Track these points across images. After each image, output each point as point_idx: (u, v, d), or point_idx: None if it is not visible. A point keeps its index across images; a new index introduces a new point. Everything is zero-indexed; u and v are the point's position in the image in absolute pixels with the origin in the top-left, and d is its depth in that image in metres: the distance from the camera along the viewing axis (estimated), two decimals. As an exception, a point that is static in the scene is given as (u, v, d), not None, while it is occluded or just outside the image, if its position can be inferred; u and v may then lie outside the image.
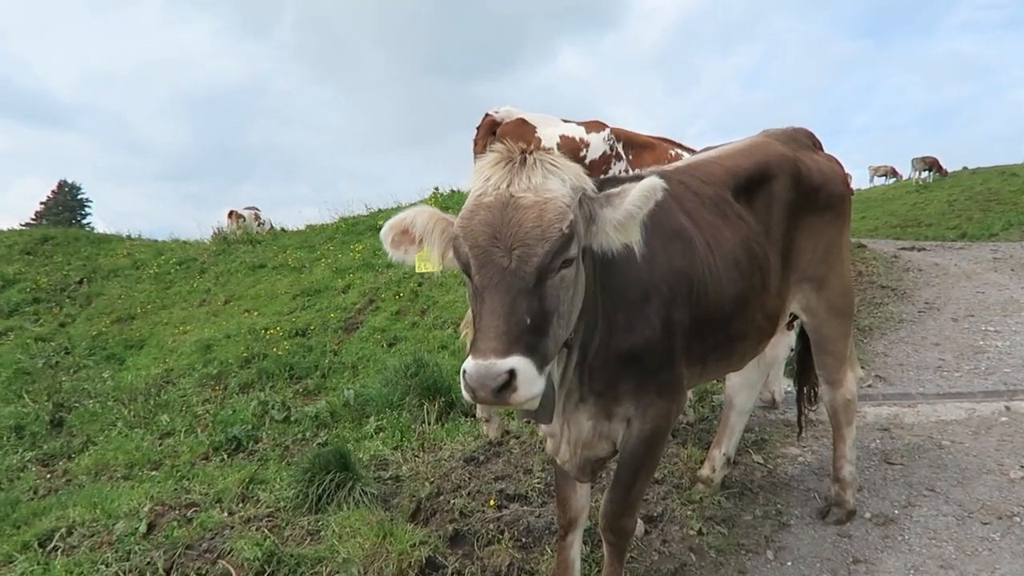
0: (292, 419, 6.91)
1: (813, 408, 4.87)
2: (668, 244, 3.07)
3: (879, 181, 37.67)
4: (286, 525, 4.29)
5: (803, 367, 4.62)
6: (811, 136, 4.39)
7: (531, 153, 2.29)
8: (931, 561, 3.87)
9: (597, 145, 6.46)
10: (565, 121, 6.57)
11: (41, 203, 59.01)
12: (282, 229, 19.58)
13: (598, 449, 3.11)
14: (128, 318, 13.57)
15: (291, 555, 3.86)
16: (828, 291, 4.09)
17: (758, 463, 5.11)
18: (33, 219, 51.71)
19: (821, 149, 4.42)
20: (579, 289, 2.42)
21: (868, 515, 4.38)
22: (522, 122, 6.43)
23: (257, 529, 4.24)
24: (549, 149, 2.46)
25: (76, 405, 9.21)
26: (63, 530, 4.70)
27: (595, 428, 3.03)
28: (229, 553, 4.03)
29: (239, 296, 13.35)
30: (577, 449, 3.06)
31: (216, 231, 19.13)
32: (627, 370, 2.91)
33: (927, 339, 7.97)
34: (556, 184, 2.22)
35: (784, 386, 6.18)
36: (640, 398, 2.99)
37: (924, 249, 13.92)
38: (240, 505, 4.65)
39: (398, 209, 15.83)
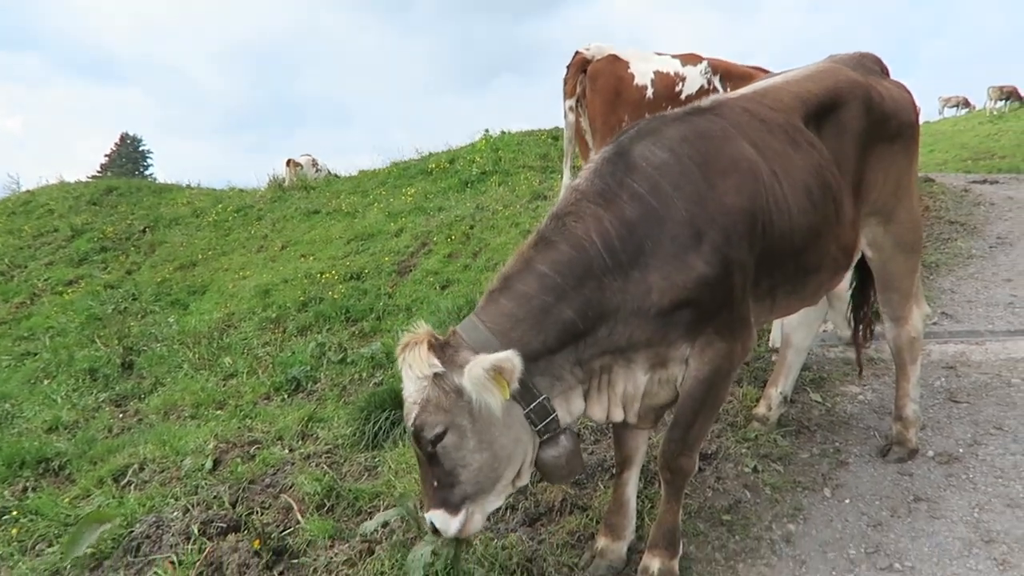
0: (349, 360, 7.03)
1: (868, 345, 4.73)
2: (722, 179, 2.96)
3: (949, 113, 35.83)
4: (344, 461, 4.41)
5: (859, 303, 4.46)
6: (879, 62, 4.17)
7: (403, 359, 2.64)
8: (997, 500, 3.77)
9: (694, 79, 6.27)
10: (659, 55, 6.36)
11: (105, 156, 60.80)
12: (335, 175, 19.71)
13: (660, 396, 3.08)
14: (190, 265, 13.94)
15: (349, 490, 3.97)
16: (896, 225, 3.93)
17: (816, 401, 5.01)
18: (99, 171, 53.24)
19: (889, 75, 4.20)
20: (484, 441, 2.66)
21: (931, 453, 4.28)
22: (614, 59, 6.26)
23: (316, 465, 4.37)
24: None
25: (144, 349, 9.55)
26: (135, 466, 4.94)
27: (652, 378, 2.99)
28: (291, 488, 4.17)
29: (295, 242, 13.56)
30: (635, 403, 3.02)
31: (272, 179, 19.35)
32: (677, 316, 2.84)
33: (998, 275, 7.64)
34: (410, 386, 2.62)
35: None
36: (695, 339, 2.94)
37: (997, 182, 13.26)
38: (300, 442, 4.79)
39: (448, 153, 15.80)
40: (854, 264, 4.02)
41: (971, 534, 3.55)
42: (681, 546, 3.34)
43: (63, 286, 13.68)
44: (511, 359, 2.50)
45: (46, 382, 9.07)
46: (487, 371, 2.48)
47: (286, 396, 6.55)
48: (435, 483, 2.67)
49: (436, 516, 2.69)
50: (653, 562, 3.28)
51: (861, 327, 4.55)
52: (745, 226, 2.98)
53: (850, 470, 4.21)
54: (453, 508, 2.68)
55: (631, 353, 2.92)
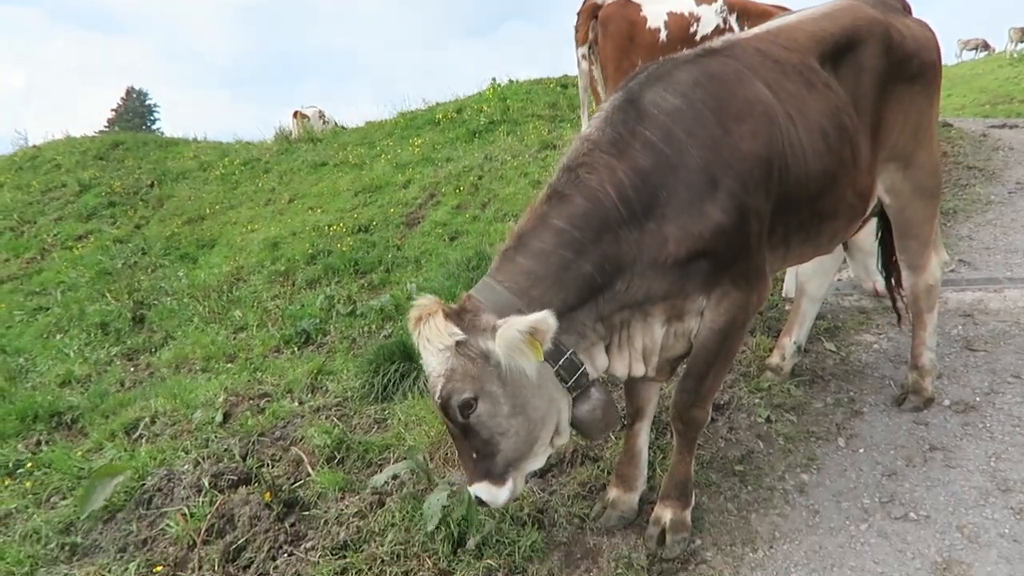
0: (358, 312, 7.00)
1: (904, 293, 4.64)
2: (737, 124, 2.86)
3: (968, 56, 34.95)
4: (354, 414, 4.40)
5: (888, 252, 4.36)
6: (901, -1, 3.99)
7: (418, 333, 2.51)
8: (1014, 449, 3.72)
9: (708, 19, 6.06)
10: None
11: (112, 110, 60.23)
12: (342, 127, 19.48)
13: (676, 349, 3.03)
14: (198, 219, 13.88)
15: (359, 442, 3.96)
16: (915, 170, 3.80)
17: (830, 350, 4.95)
18: (106, 126, 52.96)
19: (911, 13, 4.02)
20: (517, 405, 2.57)
21: (947, 402, 4.23)
22: (625, 2, 6.06)
23: (326, 418, 4.37)
24: None
25: (155, 303, 9.55)
26: (147, 419, 4.96)
27: (669, 331, 2.93)
28: (301, 440, 4.16)
29: (302, 194, 13.45)
30: (653, 357, 2.96)
31: (278, 131, 19.13)
32: (694, 267, 2.78)
33: (1017, 221, 7.47)
34: (431, 359, 2.49)
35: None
36: (711, 290, 2.87)
37: (1016, 127, 12.93)
38: (310, 395, 4.78)
39: (456, 103, 15.51)
40: (877, 213, 3.91)
41: (987, 483, 3.51)
42: (693, 497, 3.32)
43: (72, 241, 13.67)
44: (547, 319, 2.37)
45: (58, 336, 9.12)
46: (522, 333, 2.37)
47: (296, 349, 6.53)
48: (474, 455, 2.59)
49: (481, 489, 2.61)
50: (665, 513, 3.26)
51: (894, 276, 4.44)
52: (761, 172, 2.88)
53: (865, 420, 4.17)
54: (498, 478, 2.61)
55: (648, 307, 2.85)
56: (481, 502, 2.66)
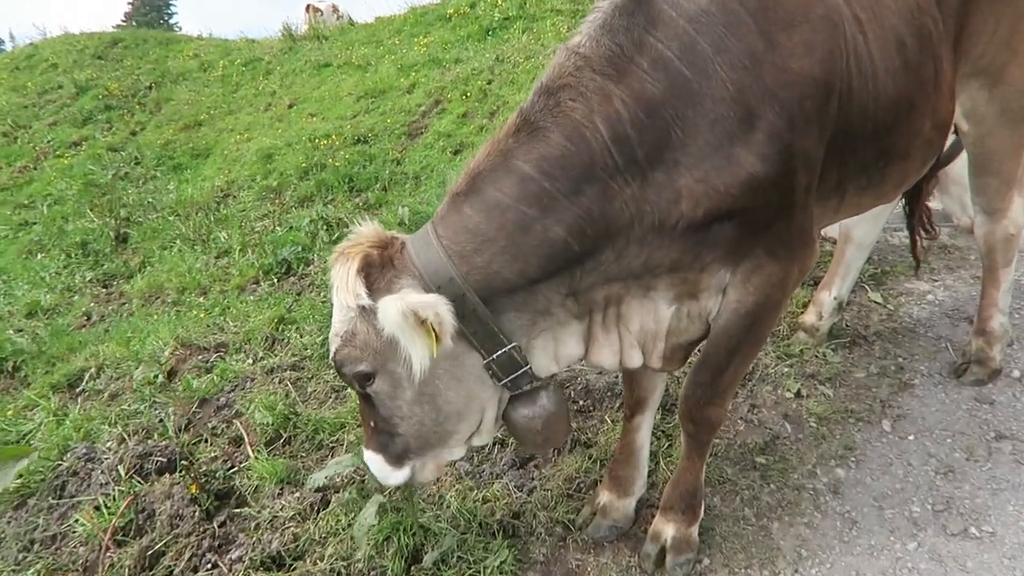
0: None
1: (929, 236, 3.86)
2: (786, 34, 2.04)
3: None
4: (311, 378, 3.80)
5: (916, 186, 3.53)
6: None
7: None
8: (1107, 445, 3.02)
9: None
10: None
11: (128, 3, 58.13)
12: (351, 23, 18.27)
13: (688, 333, 2.32)
14: (195, 125, 13.11)
15: (309, 420, 3.35)
16: (1005, 88, 2.95)
17: (875, 302, 4.20)
18: (123, 21, 51.21)
19: None
20: (425, 393, 2.07)
21: (1017, 374, 3.51)
22: None
23: (279, 382, 3.76)
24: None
25: (140, 220, 8.99)
26: (92, 370, 4.42)
27: (680, 312, 2.22)
28: (249, 410, 3.57)
29: (303, 99, 12.58)
30: (657, 343, 2.27)
31: (284, 27, 17.99)
32: (716, 232, 2.04)
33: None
34: (336, 312, 2.05)
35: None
36: (739, 262, 2.14)
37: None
38: (266, 351, 4.17)
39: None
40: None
41: (1071, 491, 2.84)
42: (702, 509, 2.69)
43: (65, 148, 13.00)
44: (435, 306, 1.85)
45: (39, 256, 8.61)
46: (404, 314, 1.83)
47: (275, 280, 5.93)
48: (372, 424, 2.20)
49: (372, 460, 2.24)
50: (666, 528, 2.65)
51: (917, 212, 3.67)
52: (816, 102, 2.08)
53: (915, 395, 3.47)
54: (394, 459, 2.22)
55: (649, 279, 2.15)
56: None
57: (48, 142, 13.45)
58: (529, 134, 1.98)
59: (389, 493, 2.60)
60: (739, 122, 1.98)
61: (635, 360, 2.30)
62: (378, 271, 1.99)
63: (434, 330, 1.86)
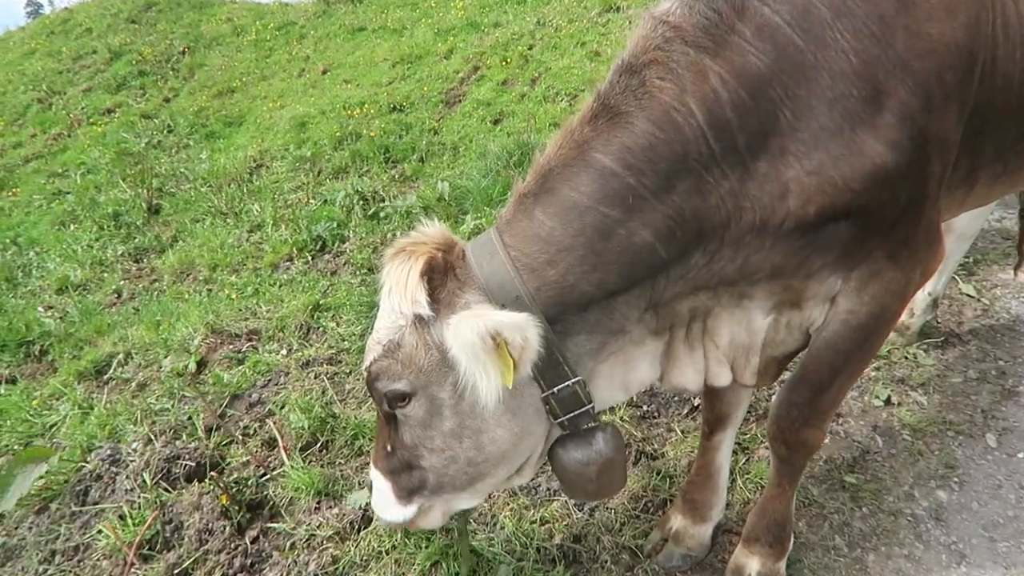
0: (381, 215, 6.05)
1: None
2: None
3: None
4: (349, 373, 3.52)
5: None
6: None
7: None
8: None
9: None
10: None
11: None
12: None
13: (785, 345, 1.99)
14: (228, 91, 12.87)
15: (347, 423, 3.08)
16: None
17: (967, 295, 3.80)
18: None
19: None
20: (468, 427, 1.77)
21: None
22: None
23: (315, 376, 3.49)
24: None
25: (172, 191, 8.78)
26: (120, 356, 4.19)
27: (778, 323, 1.89)
28: (282, 409, 3.31)
29: (338, 64, 12.25)
30: (750, 358, 1.94)
31: (319, -13, 17.59)
32: (828, 232, 1.70)
33: None
34: (383, 315, 1.76)
35: None
36: (854, 267, 1.80)
37: None
38: (301, 340, 3.90)
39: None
40: None
41: None
42: (792, 541, 2.37)
43: (99, 115, 12.87)
44: (524, 329, 1.54)
45: (72, 227, 8.46)
46: (483, 339, 1.54)
47: (309, 259, 5.66)
48: (387, 448, 1.89)
49: (379, 485, 1.96)
50: (750, 562, 2.34)
51: None
52: (957, 75, 1.71)
53: (1022, 404, 3.10)
54: (403, 492, 1.93)
55: (744, 287, 1.81)
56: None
57: (82, 109, 13.35)
58: (609, 121, 1.65)
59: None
60: (864, 101, 1.62)
61: (723, 378, 1.97)
62: (440, 279, 1.70)
63: (510, 357, 1.55)
